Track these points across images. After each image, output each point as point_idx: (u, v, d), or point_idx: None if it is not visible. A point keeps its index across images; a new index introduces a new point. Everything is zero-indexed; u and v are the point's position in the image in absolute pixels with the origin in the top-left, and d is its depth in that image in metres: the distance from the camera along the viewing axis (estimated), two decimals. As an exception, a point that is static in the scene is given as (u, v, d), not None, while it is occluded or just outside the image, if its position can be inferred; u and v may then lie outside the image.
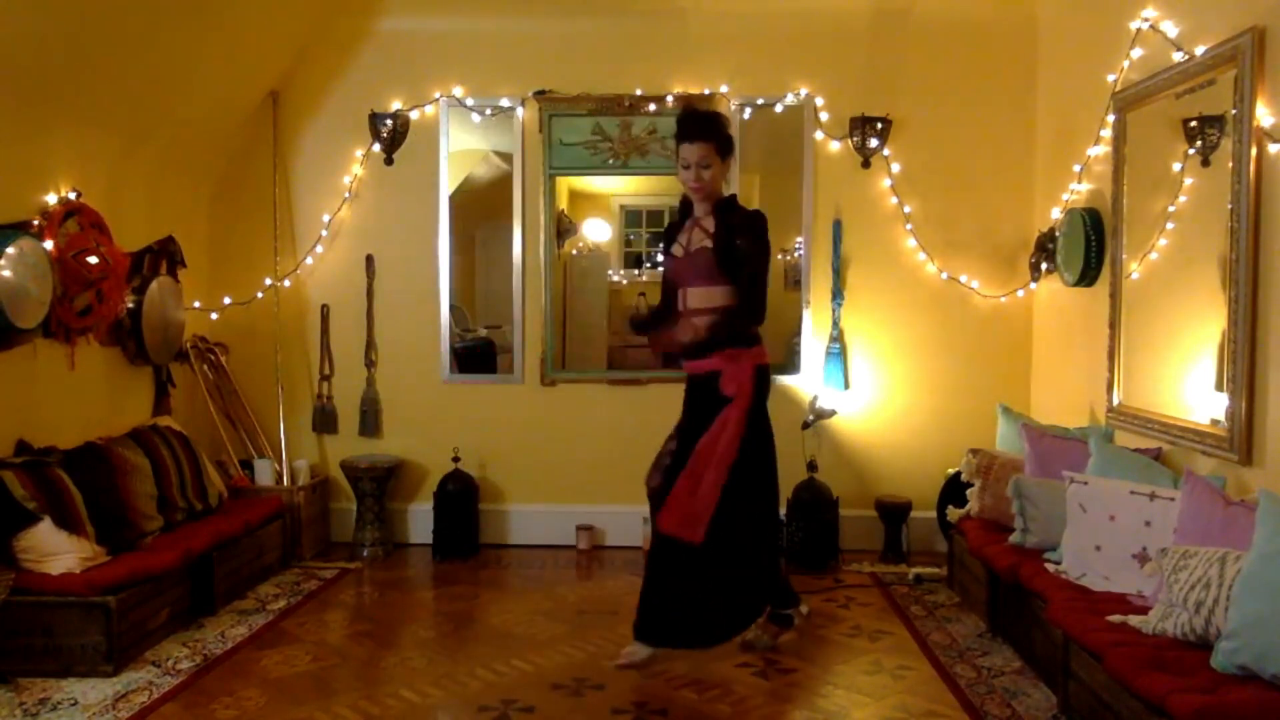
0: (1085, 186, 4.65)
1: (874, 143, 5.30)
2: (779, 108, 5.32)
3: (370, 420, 5.48)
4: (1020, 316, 5.35)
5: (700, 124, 3.61)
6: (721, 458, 3.51)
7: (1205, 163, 3.67)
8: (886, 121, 5.30)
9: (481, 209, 5.74)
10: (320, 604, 4.47)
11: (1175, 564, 2.81)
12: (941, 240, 5.34)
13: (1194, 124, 3.74)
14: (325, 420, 5.50)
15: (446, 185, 5.44)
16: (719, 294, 3.62)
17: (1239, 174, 3.34)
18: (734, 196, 3.81)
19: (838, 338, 5.33)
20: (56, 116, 4.05)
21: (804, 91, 5.32)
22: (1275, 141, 3.21)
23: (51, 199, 4.03)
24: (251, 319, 5.45)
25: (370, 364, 5.50)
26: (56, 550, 3.58)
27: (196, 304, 5.23)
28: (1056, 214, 4.91)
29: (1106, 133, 4.38)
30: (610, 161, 5.38)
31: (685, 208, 3.79)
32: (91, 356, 4.35)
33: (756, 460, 3.61)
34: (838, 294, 5.31)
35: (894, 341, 5.39)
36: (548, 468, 5.44)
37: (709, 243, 3.62)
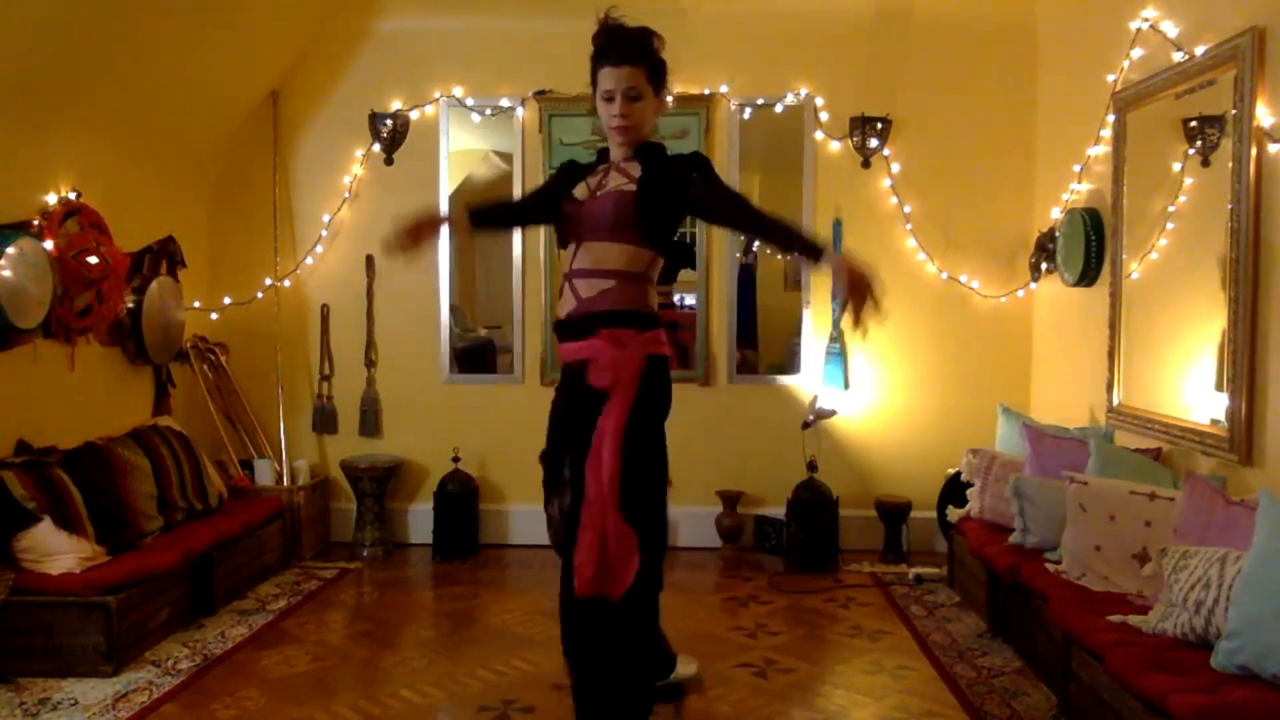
0: (1085, 186, 4.65)
1: (874, 143, 5.30)
2: (779, 108, 5.32)
3: (370, 420, 5.48)
4: (1020, 316, 5.35)
5: (627, 43, 2.81)
6: (610, 481, 2.69)
7: (1205, 163, 3.67)
8: (886, 121, 5.30)
9: (481, 209, 5.72)
10: (320, 604, 4.47)
11: (1175, 564, 2.81)
12: (941, 240, 5.33)
13: (1194, 124, 3.75)
14: (325, 420, 5.50)
15: (446, 185, 5.43)
16: (622, 255, 2.79)
17: (1239, 174, 3.34)
18: (663, 145, 2.95)
19: (838, 338, 5.33)
20: (57, 117, 4.04)
21: (804, 91, 5.32)
22: (1275, 141, 3.21)
23: (51, 199, 4.03)
24: (251, 319, 5.44)
25: (370, 364, 5.50)
26: (56, 550, 3.58)
27: (196, 304, 5.23)
28: (1056, 214, 4.91)
29: (1106, 133, 4.38)
30: (610, 161, 5.37)
31: (601, 157, 3.01)
32: (91, 356, 4.34)
33: (645, 484, 2.76)
34: (838, 294, 5.31)
35: (894, 341, 5.38)
36: (548, 468, 5.43)
37: (630, 186, 2.80)
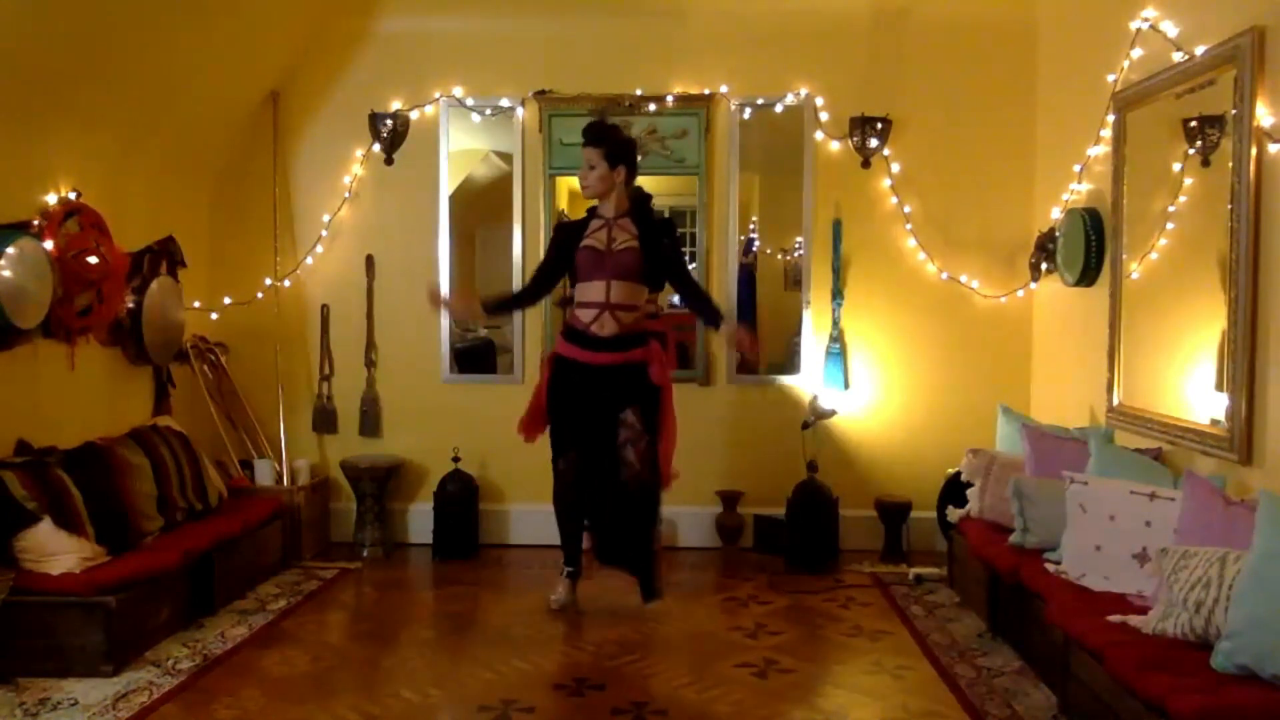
0: (1085, 186, 4.65)
1: (874, 143, 5.29)
2: (779, 108, 5.32)
3: (370, 420, 5.48)
4: (1020, 316, 5.35)
5: (593, 131, 4.18)
6: (669, 435, 4.23)
7: (1205, 163, 3.67)
8: (886, 121, 5.30)
9: (481, 209, 5.73)
10: (320, 604, 4.47)
11: (1175, 564, 2.81)
12: (941, 240, 5.33)
13: (1194, 124, 3.74)
14: (325, 420, 5.50)
15: (446, 185, 5.43)
16: (637, 293, 4.18)
17: (1239, 174, 3.34)
18: (648, 199, 4.32)
19: (838, 338, 5.33)
20: (57, 117, 4.04)
21: (804, 91, 5.32)
22: (1275, 141, 3.21)
23: (51, 199, 4.03)
24: (251, 319, 5.44)
25: (370, 364, 5.50)
26: (56, 550, 3.57)
27: (196, 304, 5.23)
28: (1056, 214, 4.90)
29: (1106, 133, 4.38)
30: (610, 161, 5.37)
31: (591, 213, 4.28)
32: (91, 356, 4.34)
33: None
34: (838, 294, 5.31)
35: (894, 341, 5.39)
36: (548, 468, 5.37)
37: (635, 244, 4.13)
